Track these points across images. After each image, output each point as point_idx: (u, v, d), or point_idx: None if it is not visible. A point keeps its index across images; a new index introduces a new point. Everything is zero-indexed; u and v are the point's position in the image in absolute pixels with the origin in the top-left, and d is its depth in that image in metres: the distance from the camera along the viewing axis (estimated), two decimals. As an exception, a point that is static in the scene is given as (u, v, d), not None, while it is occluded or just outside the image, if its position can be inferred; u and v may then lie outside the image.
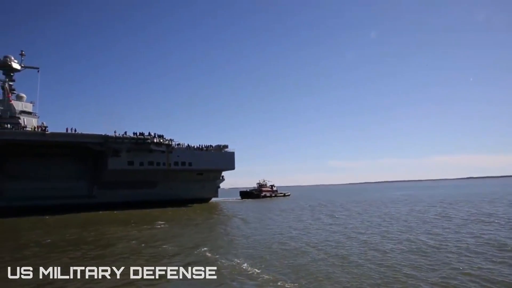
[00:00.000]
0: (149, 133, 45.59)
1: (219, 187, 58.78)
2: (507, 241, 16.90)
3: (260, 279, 11.95)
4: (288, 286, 11.06)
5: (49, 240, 20.92)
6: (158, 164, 46.39)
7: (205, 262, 14.47)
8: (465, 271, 11.99)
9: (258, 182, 78.50)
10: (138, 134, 44.54)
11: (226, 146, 53.61)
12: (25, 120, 48.00)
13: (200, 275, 12.58)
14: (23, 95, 51.57)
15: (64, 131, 42.81)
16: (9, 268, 12.84)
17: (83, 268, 13.54)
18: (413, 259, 14.01)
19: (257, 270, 12.94)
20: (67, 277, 12.46)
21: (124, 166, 43.92)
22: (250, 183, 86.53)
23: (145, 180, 47.22)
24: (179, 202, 49.18)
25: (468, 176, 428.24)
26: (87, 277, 12.44)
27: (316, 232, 22.59)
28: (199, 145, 52.14)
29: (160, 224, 28.55)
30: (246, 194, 74.18)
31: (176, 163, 47.90)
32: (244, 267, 13.46)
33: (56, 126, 59.40)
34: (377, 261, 13.86)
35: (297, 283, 11.30)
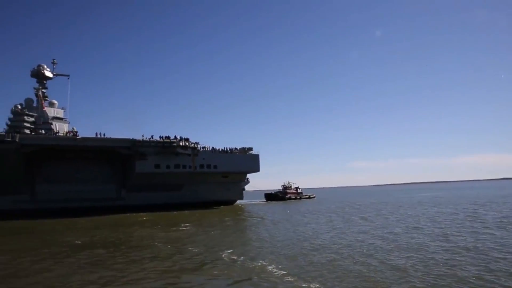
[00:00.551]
0: (175, 136, 46.36)
1: (244, 189, 59.02)
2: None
3: (284, 280, 11.90)
4: (313, 287, 10.99)
5: (79, 242, 21.57)
6: (184, 167, 47.07)
7: (229, 264, 14.56)
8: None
9: (283, 184, 78.25)
10: (164, 137, 45.37)
11: (251, 149, 53.80)
12: (57, 126, 49.85)
13: (225, 276, 12.71)
14: (55, 101, 53.61)
15: (94, 135, 44.16)
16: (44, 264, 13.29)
17: (110, 268, 13.99)
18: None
19: (282, 272, 12.89)
20: (96, 276, 12.88)
21: (151, 169, 44.80)
22: (274, 186, 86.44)
23: (171, 183, 47.99)
24: (205, 205, 49.70)
25: (503, 177, 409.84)
26: (115, 277, 12.79)
27: (345, 233, 22.31)
28: (224, 147, 52.61)
29: (186, 226, 28.89)
30: (271, 197, 74.06)
31: (201, 166, 48.47)
32: (269, 269, 13.44)
33: (86, 131, 61.23)
34: (409, 261, 13.55)
35: (322, 285, 11.19)
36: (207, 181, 50.96)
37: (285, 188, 77.19)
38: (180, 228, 27.77)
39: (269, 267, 13.80)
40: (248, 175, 58.17)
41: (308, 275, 12.31)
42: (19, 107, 47.23)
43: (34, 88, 52.12)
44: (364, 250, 16.48)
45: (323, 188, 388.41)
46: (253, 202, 66.75)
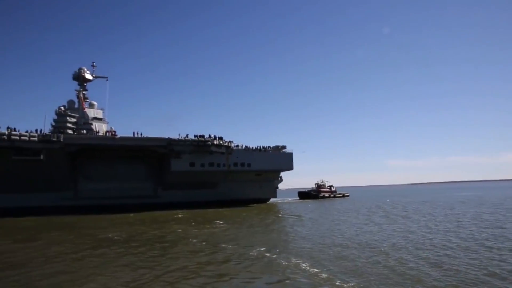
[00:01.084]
0: (209, 135, 47.01)
1: (277, 187, 59.00)
2: None
3: (318, 278, 11.82)
4: (347, 286, 10.85)
5: (118, 238, 22.35)
6: (218, 165, 47.69)
7: (263, 261, 14.61)
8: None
9: (317, 182, 77.66)
10: (199, 136, 46.10)
11: (284, 147, 53.72)
12: (96, 126, 51.83)
13: (256, 273, 12.77)
14: (95, 102, 55.72)
15: (131, 135, 45.57)
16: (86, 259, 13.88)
17: (146, 262, 14.42)
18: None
19: (316, 270, 12.80)
20: (131, 269, 13.32)
21: (186, 168, 45.71)
22: (306, 184, 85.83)
23: (205, 181, 48.74)
24: (238, 203, 50.11)
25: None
26: (150, 271, 13.16)
27: (381, 233, 21.85)
28: (257, 146, 52.82)
29: (219, 224, 29.24)
30: (304, 195, 73.66)
31: (235, 164, 48.90)
32: (303, 267, 13.39)
33: (123, 131, 63.25)
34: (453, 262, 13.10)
35: (356, 284, 11.02)
36: (241, 179, 51.37)
37: (319, 186, 76.61)
38: (214, 226, 28.13)
39: (303, 264, 13.74)
40: (281, 173, 58.14)
41: (342, 274, 12.16)
42: (62, 108, 49.56)
43: (76, 90, 54.44)
44: (402, 250, 16.08)
45: (357, 186, 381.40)
46: (287, 200, 66.62)
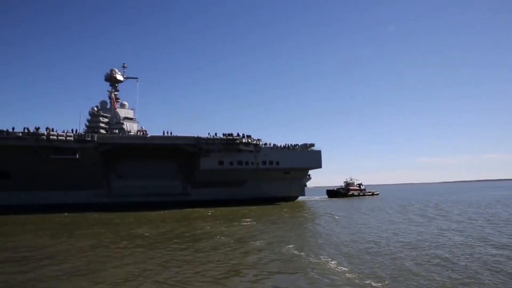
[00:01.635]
0: (238, 133, 47.33)
1: (305, 185, 58.70)
2: None
3: (346, 277, 11.71)
4: (376, 285, 10.66)
5: (148, 234, 22.87)
6: (246, 163, 47.91)
7: (291, 259, 14.59)
8: None
9: (345, 180, 76.77)
10: (227, 135, 46.47)
11: (312, 145, 53.33)
12: (127, 126, 53.14)
13: (284, 270, 12.73)
14: (126, 103, 57.16)
15: (161, 134, 46.46)
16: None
17: (177, 259, 14.67)
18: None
19: (344, 268, 12.68)
20: (160, 265, 13.60)
21: (215, 166, 46.19)
22: (334, 182, 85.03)
23: (234, 179, 49.09)
24: (267, 201, 50.19)
25: None
26: (180, 267, 13.40)
27: (413, 233, 21.36)
28: (285, 144, 52.68)
29: (248, 221, 29.39)
30: (333, 193, 72.96)
31: (263, 162, 48.99)
32: (331, 265, 13.29)
33: (153, 130, 64.64)
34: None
35: (385, 283, 10.81)
36: (269, 178, 51.43)
37: (348, 184, 75.71)
38: (242, 223, 28.32)
39: (331, 263, 13.66)
40: (309, 172, 57.79)
41: (371, 273, 11.99)
42: (95, 109, 51.14)
43: (108, 91, 56.03)
44: (435, 252, 15.60)
45: (386, 184, 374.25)
46: (315, 199, 66.20)
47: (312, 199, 65.13)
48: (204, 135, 45.97)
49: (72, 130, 42.98)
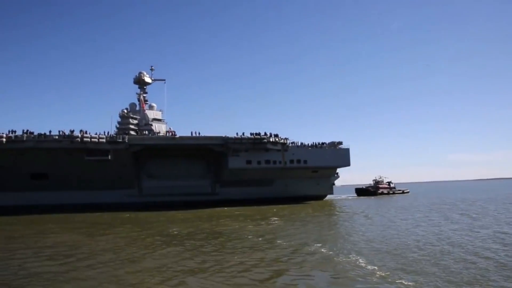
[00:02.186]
0: (265, 132, 47.37)
1: (334, 184, 58.16)
2: None
3: (376, 275, 11.54)
4: (406, 284, 10.44)
5: (177, 232, 23.31)
6: (274, 162, 47.91)
7: (319, 257, 14.51)
8: None
9: (374, 178, 75.55)
10: (254, 134, 46.61)
11: (341, 143, 52.71)
12: (156, 127, 54.32)
13: (313, 269, 12.65)
14: (154, 104, 58.42)
15: (190, 134, 47.15)
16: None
17: (207, 257, 14.92)
18: None
19: (374, 267, 12.51)
20: (189, 262, 13.81)
21: (242, 165, 46.45)
22: (362, 180, 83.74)
23: (262, 178, 49.23)
24: (295, 199, 50.07)
25: None
26: (212, 265, 13.61)
27: (446, 232, 20.78)
28: (313, 142, 52.35)
29: (276, 220, 29.39)
30: (362, 191, 71.92)
31: (291, 161, 48.86)
32: (360, 264, 13.13)
33: (181, 130, 65.72)
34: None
35: (416, 282, 10.57)
36: (297, 176, 51.27)
37: (377, 182, 74.46)
38: (270, 222, 28.35)
39: (361, 261, 13.51)
40: (338, 170, 57.17)
41: (403, 272, 11.79)
42: (125, 111, 52.56)
43: (137, 94, 57.43)
44: (469, 250, 15.15)
45: (417, 182, 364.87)
46: (343, 197, 65.50)
47: (340, 197, 64.49)
48: (231, 134, 46.33)
49: (104, 132, 44.30)
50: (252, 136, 46.25)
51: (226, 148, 45.87)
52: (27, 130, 40.88)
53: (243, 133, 46.80)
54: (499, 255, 13.83)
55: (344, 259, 14.00)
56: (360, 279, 11.25)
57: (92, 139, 41.29)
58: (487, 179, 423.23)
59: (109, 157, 42.39)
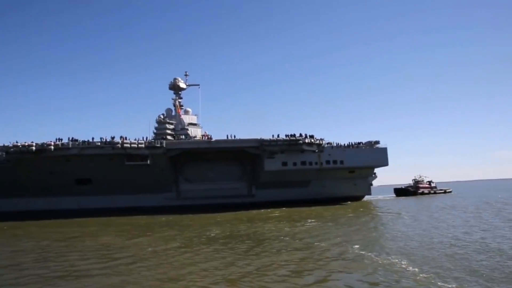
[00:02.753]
0: (300, 134, 47.08)
1: (371, 184, 56.88)
2: None
3: (417, 278, 11.21)
4: (449, 287, 9.99)
5: (214, 235, 23.60)
6: (310, 163, 47.53)
7: (357, 259, 14.25)
8: None
9: (414, 178, 73.24)
10: (290, 136, 46.45)
11: (378, 142, 51.49)
12: (192, 131, 55.26)
13: (352, 270, 12.42)
14: (189, 109, 59.50)
15: (225, 137, 47.67)
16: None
17: (244, 259, 15.00)
18: None
19: (415, 269, 12.14)
20: (226, 264, 13.89)
21: (278, 167, 46.38)
22: (401, 180, 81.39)
23: (298, 180, 48.92)
24: (331, 201, 49.34)
25: None
26: (249, 266, 13.68)
27: (495, 234, 19.80)
28: (349, 142, 51.53)
29: (312, 222, 29.17)
30: (401, 191, 69.89)
31: (327, 162, 48.28)
32: (400, 266, 12.78)
33: (217, 134, 66.49)
34: None
35: (460, 286, 10.10)
36: (333, 177, 50.59)
37: (416, 182, 72.12)
38: (307, 224, 28.16)
39: (401, 263, 13.14)
40: (375, 170, 55.90)
41: (445, 274, 11.33)
42: (161, 116, 53.85)
43: (172, 99, 58.72)
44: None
45: (459, 181, 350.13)
46: (382, 198, 63.99)
47: (379, 198, 63.05)
48: (267, 136, 46.39)
49: (143, 138, 45.62)
50: (287, 138, 46.10)
51: (262, 151, 45.96)
52: (72, 138, 42.99)
53: (278, 135, 46.81)
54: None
55: (384, 261, 13.70)
56: (400, 281, 11.00)
57: (132, 145, 42.65)
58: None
59: (148, 161, 43.59)
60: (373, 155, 51.07)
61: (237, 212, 40.46)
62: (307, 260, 14.53)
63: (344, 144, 51.13)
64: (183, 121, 56.10)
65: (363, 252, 15.50)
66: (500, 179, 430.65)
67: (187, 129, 54.94)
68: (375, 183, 60.94)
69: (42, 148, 40.79)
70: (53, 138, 42.95)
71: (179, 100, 58.44)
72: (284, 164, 46.56)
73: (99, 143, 42.52)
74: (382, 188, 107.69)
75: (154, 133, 52.61)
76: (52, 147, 40.94)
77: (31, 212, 41.69)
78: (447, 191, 77.22)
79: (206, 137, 49.88)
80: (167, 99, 60.67)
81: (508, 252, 14.41)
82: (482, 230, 20.94)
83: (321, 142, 47.98)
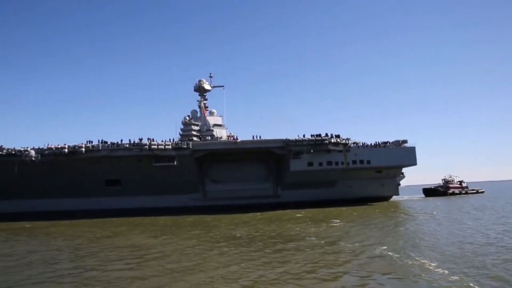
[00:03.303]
0: (326, 133, 46.67)
1: (399, 184, 55.73)
2: None
3: (449, 279, 10.90)
4: None
5: (240, 235, 23.69)
6: (336, 163, 47.06)
7: (384, 260, 13.99)
8: None
9: (444, 178, 71.21)
10: (315, 135, 46.11)
11: (405, 141, 50.39)
12: (217, 132, 55.73)
13: (379, 271, 12.18)
14: (214, 110, 60.12)
15: (250, 138, 47.84)
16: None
17: (270, 259, 15.02)
18: None
19: (445, 271, 11.79)
20: (251, 263, 13.86)
21: (304, 167, 46.15)
22: (428, 180, 79.24)
23: (324, 180, 48.50)
24: (358, 201, 48.66)
25: None
26: (274, 267, 13.65)
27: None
28: (375, 142, 50.67)
29: (338, 222, 28.83)
30: (430, 192, 68.10)
31: (354, 162, 47.66)
32: (429, 267, 12.45)
33: (242, 134, 66.87)
34: None
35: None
36: (360, 177, 49.91)
37: (446, 182, 70.09)
38: (333, 224, 27.86)
39: (430, 264, 12.80)
40: (403, 170, 54.72)
41: (478, 276, 10.92)
42: (187, 118, 54.67)
43: (197, 101, 59.51)
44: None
45: (492, 181, 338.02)
46: (410, 198, 62.58)
47: (407, 198, 61.68)
48: (292, 136, 46.27)
49: (170, 139, 46.40)
50: (313, 138, 45.79)
51: (287, 151, 45.85)
52: (102, 140, 44.24)
53: (303, 135, 46.57)
54: None
55: (412, 262, 13.42)
56: (429, 283, 10.73)
57: (159, 146, 43.44)
58: None
59: (175, 162, 44.29)
60: (401, 154, 50.03)
61: (263, 213, 40.49)
62: (333, 261, 14.40)
63: (371, 144, 50.32)
64: (208, 122, 56.73)
65: (390, 253, 15.21)
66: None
67: (212, 130, 55.51)
68: (403, 183, 59.71)
69: (74, 150, 42.22)
70: (83, 140, 44.41)
71: (204, 102, 59.17)
72: (310, 164, 46.29)
73: (127, 145, 43.58)
74: (410, 188, 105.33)
75: (180, 134, 53.43)
76: (83, 149, 42.31)
77: (64, 212, 43.28)
78: (479, 191, 74.68)
79: (232, 138, 50.22)
80: (192, 101, 61.35)
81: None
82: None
83: (347, 142, 47.38)
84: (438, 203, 48.75)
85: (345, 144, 47.17)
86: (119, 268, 14.72)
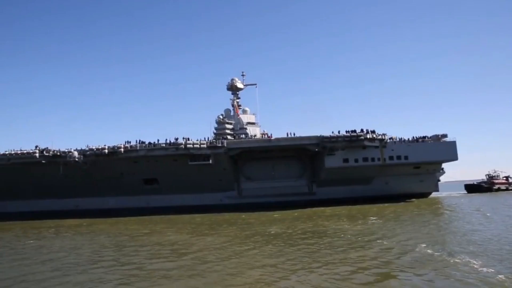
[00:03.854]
0: (361, 129, 45.76)
1: (439, 180, 53.74)
2: None
3: (495, 279, 10.34)
4: None
5: (275, 232, 23.66)
6: (372, 159, 46.09)
7: (424, 258, 13.56)
8: None
9: (487, 173, 67.93)
10: (350, 131, 45.34)
11: (445, 135, 48.52)
12: (251, 130, 55.96)
13: (420, 270, 11.81)
14: (247, 108, 60.33)
15: (284, 135, 47.74)
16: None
17: (305, 256, 14.86)
18: None
19: (490, 270, 11.23)
20: (283, 260, 13.77)
21: (339, 164, 45.52)
22: (469, 175, 75.88)
23: (360, 177, 47.65)
24: (396, 198, 47.43)
25: None
26: (310, 264, 13.55)
27: None
28: (413, 136, 49.15)
29: (375, 220, 28.24)
30: (473, 188, 65.26)
31: (391, 158, 46.48)
32: (473, 266, 11.87)
33: (276, 132, 66.60)
34: None
35: None
36: (397, 173, 48.57)
37: (491, 177, 66.82)
38: (369, 221, 27.31)
39: (474, 263, 12.21)
40: (443, 165, 52.76)
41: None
42: (221, 117, 55.28)
43: (230, 99, 60.00)
44: None
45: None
46: (451, 194, 60.28)
47: (447, 195, 59.46)
48: (327, 133, 45.76)
49: (204, 138, 47.15)
50: (348, 134, 45.06)
51: (322, 148, 45.38)
52: (140, 140, 45.65)
53: (338, 131, 45.90)
54: None
55: (454, 260, 12.93)
56: (473, 282, 10.30)
57: (194, 145, 44.26)
58: None
59: (210, 161, 44.95)
60: (441, 149, 48.26)
61: (298, 210, 40.34)
62: (370, 258, 14.13)
63: (408, 139, 48.86)
64: (242, 120, 57.06)
65: (430, 251, 14.72)
66: None
67: (246, 128, 55.79)
68: (442, 179, 57.62)
69: (113, 151, 43.88)
70: (122, 141, 46.04)
71: (237, 100, 59.53)
72: (345, 161, 45.58)
73: (163, 145, 44.70)
74: (450, 185, 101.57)
75: (214, 133, 54.09)
76: (122, 149, 43.88)
77: (105, 210, 45.05)
78: (530, 187, 70.76)
79: (266, 136, 50.30)
80: (225, 100, 61.98)
81: None
82: None
83: (383, 137, 46.19)
84: (484, 199, 46.66)
85: (381, 140, 46.03)
86: (160, 268, 15.09)
